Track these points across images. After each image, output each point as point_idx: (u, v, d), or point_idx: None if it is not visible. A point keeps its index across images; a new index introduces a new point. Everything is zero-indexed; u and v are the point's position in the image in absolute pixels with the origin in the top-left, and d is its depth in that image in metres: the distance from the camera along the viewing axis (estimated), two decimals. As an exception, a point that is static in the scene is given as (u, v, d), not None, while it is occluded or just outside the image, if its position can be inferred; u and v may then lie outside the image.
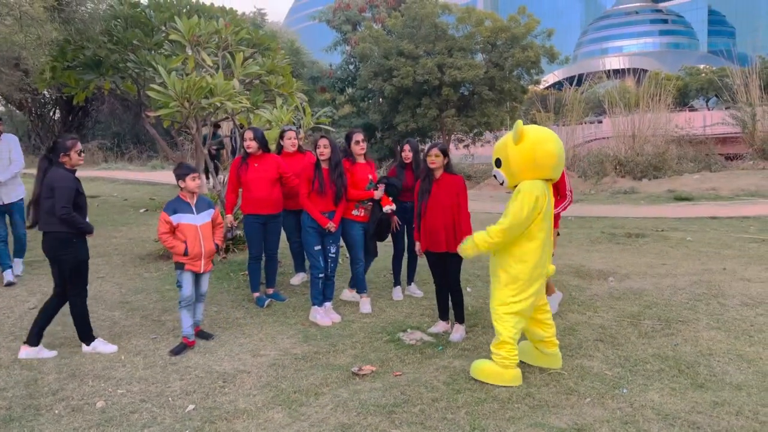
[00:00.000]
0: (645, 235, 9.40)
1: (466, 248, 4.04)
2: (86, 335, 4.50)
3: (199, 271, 4.59)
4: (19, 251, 6.57)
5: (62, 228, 4.24)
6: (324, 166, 5.11)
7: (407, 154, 5.64)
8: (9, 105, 26.52)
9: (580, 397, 3.73)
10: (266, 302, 5.55)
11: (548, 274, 4.05)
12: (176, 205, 4.53)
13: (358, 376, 4.03)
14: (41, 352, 4.36)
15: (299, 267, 6.39)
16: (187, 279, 4.55)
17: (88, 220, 4.47)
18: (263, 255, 5.68)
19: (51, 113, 28.51)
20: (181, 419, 3.45)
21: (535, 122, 23.50)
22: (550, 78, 45.53)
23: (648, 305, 5.62)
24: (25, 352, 4.32)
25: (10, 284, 6.16)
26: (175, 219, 4.49)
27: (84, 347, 4.48)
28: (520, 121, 3.97)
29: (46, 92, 25.12)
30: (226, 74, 7.56)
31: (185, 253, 4.46)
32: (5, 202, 6.24)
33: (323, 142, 5.13)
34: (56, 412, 3.50)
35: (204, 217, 4.63)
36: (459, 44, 21.09)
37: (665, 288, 6.18)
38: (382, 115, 23.15)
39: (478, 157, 24.97)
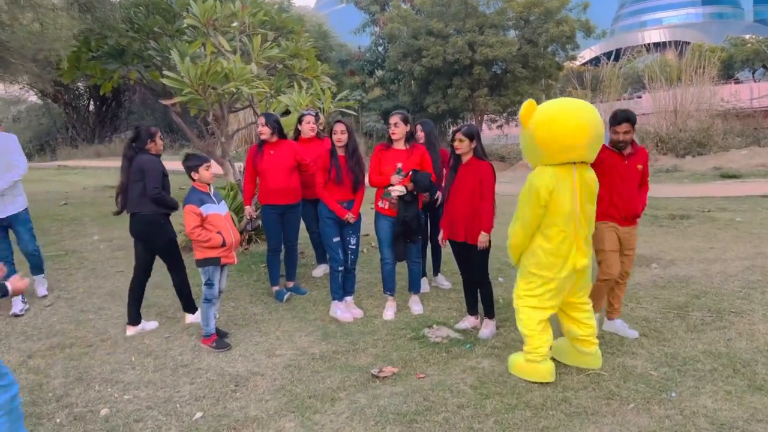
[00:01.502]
0: (690, 216, 8.86)
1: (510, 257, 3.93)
2: (190, 305, 4.86)
3: (235, 262, 4.42)
4: (37, 267, 5.49)
5: (151, 209, 4.53)
6: (340, 153, 4.79)
7: (418, 134, 5.26)
8: (45, 97, 26.99)
9: (622, 403, 3.38)
10: (286, 296, 5.30)
11: (576, 267, 3.62)
12: (200, 196, 4.24)
13: (379, 379, 3.74)
14: (145, 326, 4.72)
15: (321, 258, 6.13)
16: (218, 275, 4.33)
17: None
18: (283, 247, 5.43)
19: (86, 105, 28.96)
20: (187, 429, 3.22)
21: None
22: (586, 54, 44.11)
23: (696, 295, 5.20)
24: (132, 330, 4.64)
25: (17, 316, 5.04)
26: (204, 210, 4.20)
27: (188, 317, 4.85)
28: (526, 102, 3.62)
29: (80, 84, 25.49)
30: (247, 59, 7.31)
31: (223, 244, 4.21)
32: (2, 216, 5.13)
33: (339, 127, 4.80)
34: (57, 420, 3.31)
35: (224, 207, 4.40)
36: (490, 21, 20.40)
37: (715, 275, 5.73)
38: (413, 96, 22.69)
39: (513, 137, 24.33)
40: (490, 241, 4.34)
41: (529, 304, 3.72)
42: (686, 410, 3.27)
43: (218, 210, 4.29)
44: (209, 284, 4.30)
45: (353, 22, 27.24)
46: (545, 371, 3.67)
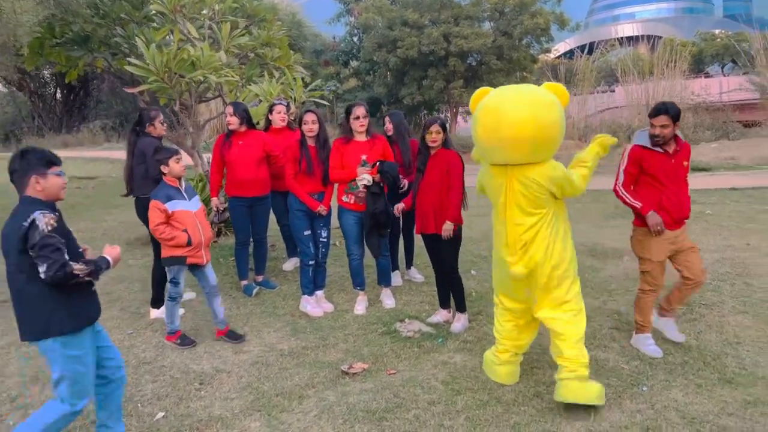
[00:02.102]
0: (661, 209, 8.92)
1: None
2: (158, 300, 4.67)
3: (203, 262, 4.14)
4: None
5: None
6: (311, 143, 4.67)
7: (387, 126, 5.15)
8: (9, 85, 26.19)
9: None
10: (255, 291, 5.18)
11: (513, 272, 3.26)
12: (167, 191, 4.02)
13: (348, 375, 3.66)
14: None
15: (292, 252, 6.00)
16: (183, 274, 4.15)
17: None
18: (252, 240, 5.30)
19: (53, 93, 28.21)
20: (148, 429, 3.10)
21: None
22: (561, 47, 44.33)
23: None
24: (155, 313, 4.70)
25: None
26: (170, 206, 3.99)
27: (153, 311, 4.71)
28: (478, 91, 3.31)
29: (46, 72, 24.79)
30: (218, 47, 7.11)
31: (189, 243, 4.01)
32: None
33: (310, 117, 4.68)
34: (10, 423, 3.16)
35: (196, 203, 4.17)
36: (465, 12, 20.35)
37: (685, 267, 5.75)
38: (388, 88, 22.53)
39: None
40: (461, 234, 4.28)
41: (496, 295, 3.60)
42: (657, 404, 3.26)
43: (187, 207, 4.07)
44: (174, 282, 4.14)
45: (328, 11, 26.94)
46: (502, 373, 3.54)
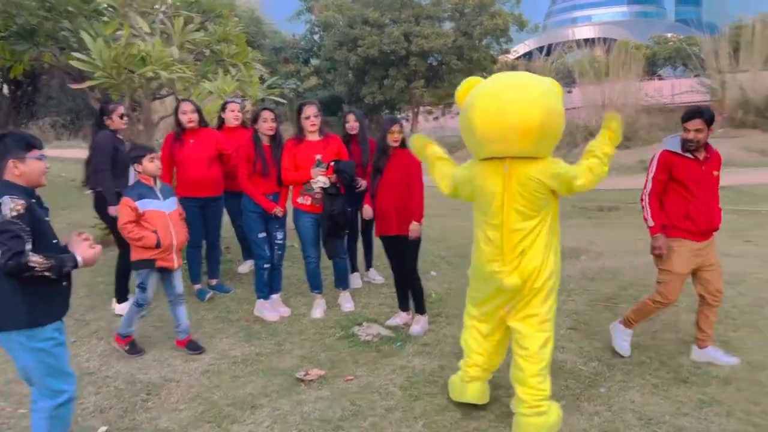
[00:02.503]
0: (618, 208, 9.09)
1: None
2: (122, 293, 4.64)
3: (173, 266, 3.91)
4: None
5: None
6: (265, 142, 4.52)
7: (352, 124, 5.03)
8: (-49, 81, 25.00)
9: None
10: (208, 295, 5.00)
11: (502, 283, 2.88)
12: (140, 190, 3.82)
13: (304, 383, 3.55)
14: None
15: (248, 254, 5.82)
16: (153, 281, 3.90)
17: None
18: (205, 243, 5.12)
19: (-2, 89, 27.08)
20: (88, 446, 2.93)
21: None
22: (520, 48, 45.00)
23: (624, 286, 5.27)
24: (120, 307, 4.62)
25: None
26: (141, 205, 3.78)
27: (115, 305, 4.67)
28: (466, 80, 3.05)
29: (-9, 67, 23.77)
30: (171, 42, 6.88)
31: (157, 245, 3.78)
32: None
33: (270, 115, 4.53)
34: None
35: (171, 204, 3.96)
36: (426, 12, 20.47)
37: (641, 266, 5.83)
38: (349, 86, 22.47)
39: (449, 129, 24.47)
40: (421, 234, 4.21)
41: (465, 311, 3.26)
42: (615, 406, 3.25)
43: (160, 207, 3.86)
44: (142, 288, 3.90)
45: (287, 8, 26.62)
46: (461, 392, 3.22)
